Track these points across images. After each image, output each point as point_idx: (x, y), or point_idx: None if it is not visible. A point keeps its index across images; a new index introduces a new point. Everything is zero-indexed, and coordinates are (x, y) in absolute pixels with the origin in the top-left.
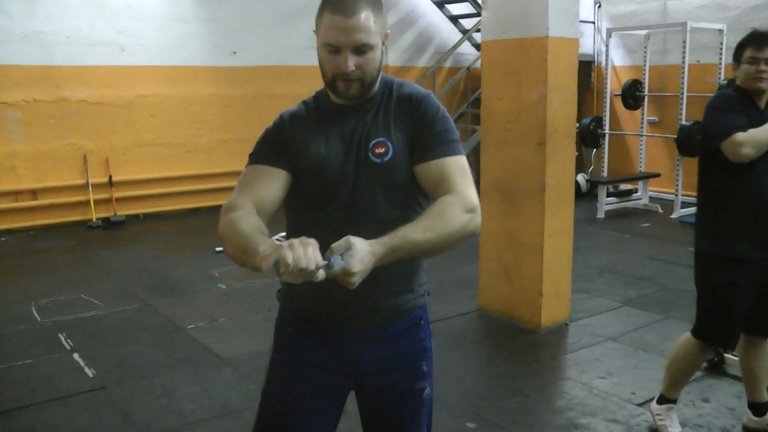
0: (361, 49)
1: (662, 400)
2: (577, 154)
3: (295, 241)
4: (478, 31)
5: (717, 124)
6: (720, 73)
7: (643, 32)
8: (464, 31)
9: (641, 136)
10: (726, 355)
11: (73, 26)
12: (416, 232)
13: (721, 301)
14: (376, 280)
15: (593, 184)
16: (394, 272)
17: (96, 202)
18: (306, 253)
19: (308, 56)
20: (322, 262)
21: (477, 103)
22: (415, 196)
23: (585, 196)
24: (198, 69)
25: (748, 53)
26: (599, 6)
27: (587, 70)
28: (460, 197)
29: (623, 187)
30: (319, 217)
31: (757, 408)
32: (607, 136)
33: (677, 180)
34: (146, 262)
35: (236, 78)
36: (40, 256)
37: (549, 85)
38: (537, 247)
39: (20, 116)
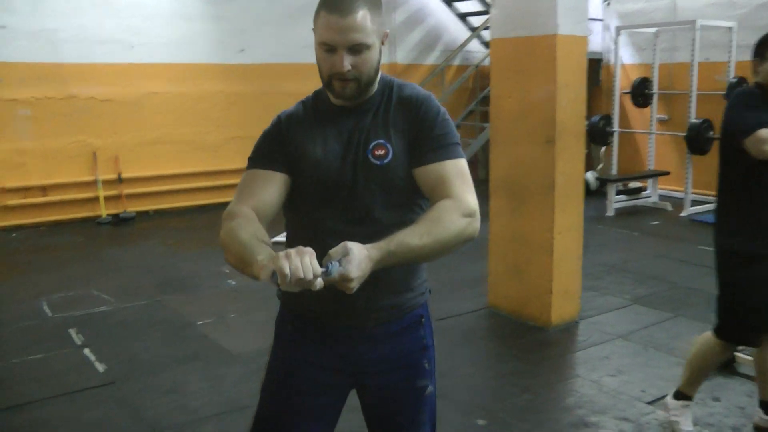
0: (356, 49)
1: (679, 395)
2: (585, 152)
3: (292, 251)
4: (487, 29)
5: (740, 120)
6: (729, 71)
7: (652, 30)
8: (473, 29)
9: (650, 134)
10: (737, 354)
11: (82, 24)
12: (413, 237)
13: (744, 299)
14: (375, 281)
15: (602, 182)
16: (394, 272)
17: (105, 198)
18: (303, 262)
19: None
20: (319, 270)
21: (485, 100)
22: (414, 198)
23: (594, 194)
24: (206, 66)
25: None
26: (608, 4)
27: (596, 67)
28: (458, 202)
29: (633, 185)
30: (318, 219)
31: None
32: (616, 134)
33: (687, 178)
34: (156, 259)
35: (244, 75)
36: (50, 252)
37: (558, 83)
38: (546, 244)
39: (29, 113)
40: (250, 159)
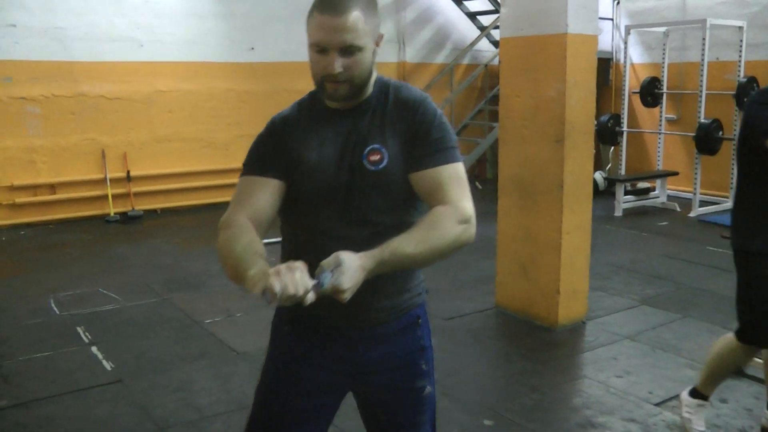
0: (348, 51)
1: (695, 394)
2: (594, 151)
3: (282, 268)
4: (496, 27)
5: (759, 119)
6: (739, 70)
7: (662, 29)
8: (482, 28)
9: (659, 133)
10: None
11: (92, 22)
12: (408, 245)
13: (763, 300)
14: (370, 283)
15: (611, 181)
16: (389, 275)
17: (114, 196)
18: (293, 279)
19: None
20: (310, 285)
21: (494, 100)
22: (410, 201)
23: (602, 194)
24: (215, 65)
25: None
26: (618, 3)
27: (605, 67)
28: (454, 208)
29: (641, 185)
30: (315, 222)
31: None
32: (625, 134)
33: (695, 178)
34: (163, 257)
35: (253, 74)
36: (59, 249)
37: (568, 82)
38: (555, 244)
39: (39, 111)
40: (244, 165)
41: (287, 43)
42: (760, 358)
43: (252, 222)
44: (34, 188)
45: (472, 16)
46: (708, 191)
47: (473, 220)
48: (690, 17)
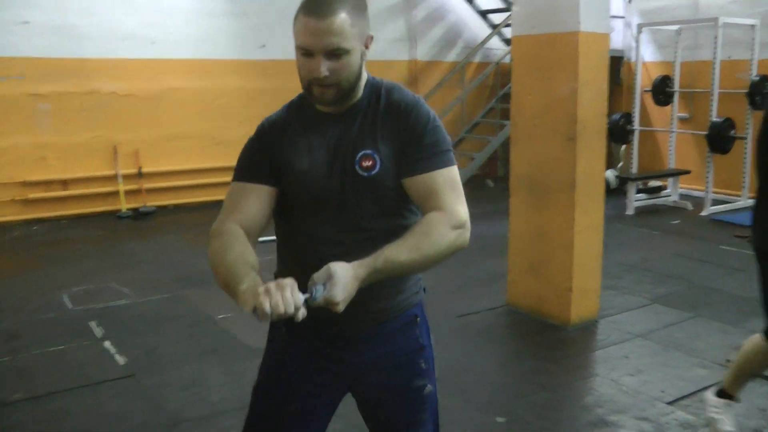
0: (334, 54)
1: (722, 394)
2: (606, 150)
3: (272, 286)
4: (508, 26)
5: None
6: (752, 69)
7: (674, 27)
8: (493, 26)
9: (671, 132)
10: None
11: (104, 19)
12: (401, 253)
13: None
14: (366, 287)
15: (622, 180)
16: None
17: (125, 192)
18: (284, 297)
19: None
20: (300, 302)
21: (506, 98)
22: (404, 205)
23: (614, 193)
24: (227, 62)
25: None
26: (629, 1)
27: (617, 65)
28: (448, 214)
29: (653, 183)
30: (309, 227)
31: None
32: (636, 132)
33: (707, 177)
34: (175, 253)
35: (264, 71)
36: (71, 245)
37: (579, 81)
38: (566, 242)
39: (50, 108)
40: (235, 171)
41: None
42: None
43: (243, 229)
44: (46, 184)
45: (484, 14)
46: (720, 190)
47: (467, 225)
48: (702, 16)
